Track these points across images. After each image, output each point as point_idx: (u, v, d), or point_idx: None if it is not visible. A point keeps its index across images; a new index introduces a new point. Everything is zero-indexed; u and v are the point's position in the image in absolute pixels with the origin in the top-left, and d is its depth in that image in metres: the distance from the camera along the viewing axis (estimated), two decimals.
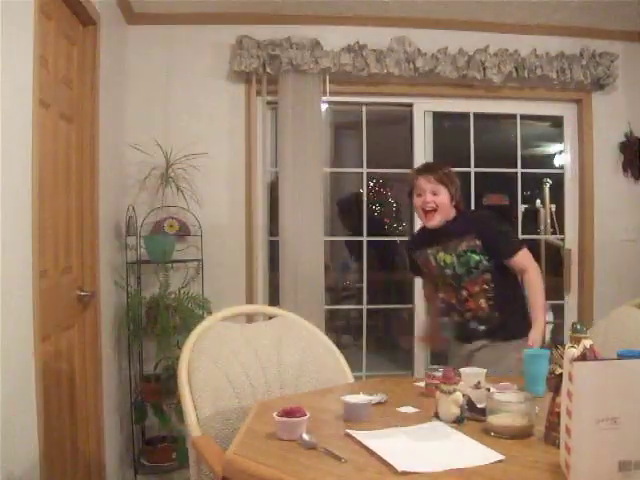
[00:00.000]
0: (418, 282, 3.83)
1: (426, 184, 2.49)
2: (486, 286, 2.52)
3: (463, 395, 1.57)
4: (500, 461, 1.29)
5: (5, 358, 1.76)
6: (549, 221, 4.56)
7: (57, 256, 2.38)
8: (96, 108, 2.83)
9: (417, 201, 2.53)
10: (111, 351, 3.15)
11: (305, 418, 1.45)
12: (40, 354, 2.03)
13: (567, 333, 3.61)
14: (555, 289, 4.23)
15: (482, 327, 2.51)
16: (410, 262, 2.78)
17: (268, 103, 3.62)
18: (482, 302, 2.51)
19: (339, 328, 5.48)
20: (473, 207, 3.89)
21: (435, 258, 2.56)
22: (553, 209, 4.40)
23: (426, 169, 2.59)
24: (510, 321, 2.50)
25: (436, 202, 2.48)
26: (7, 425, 1.76)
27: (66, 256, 2.51)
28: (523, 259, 2.51)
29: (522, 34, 3.75)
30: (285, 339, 2.10)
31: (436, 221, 2.51)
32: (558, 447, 1.28)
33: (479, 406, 1.58)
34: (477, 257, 2.49)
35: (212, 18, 3.58)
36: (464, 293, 2.53)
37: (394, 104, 3.93)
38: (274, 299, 3.61)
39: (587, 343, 1.41)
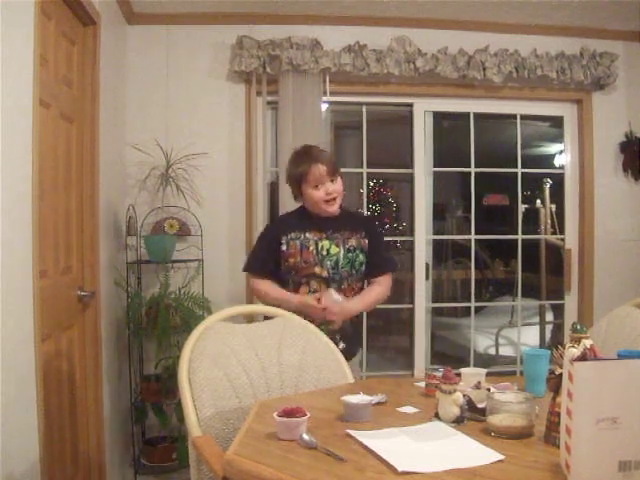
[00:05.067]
0: (419, 281, 3.84)
1: (325, 172, 2.37)
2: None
3: (463, 395, 1.57)
4: (500, 461, 1.29)
5: (5, 358, 1.76)
6: (549, 221, 4.56)
7: (57, 256, 2.38)
8: (96, 108, 2.83)
9: (317, 192, 2.37)
10: (111, 351, 3.15)
11: (305, 418, 1.45)
12: (40, 354, 2.03)
13: (567, 333, 3.62)
14: (555, 289, 4.24)
15: (342, 345, 2.30)
16: (264, 251, 2.47)
17: (268, 103, 3.62)
18: (352, 318, 2.38)
19: None
20: (474, 208, 3.90)
21: (317, 245, 2.37)
22: (553, 209, 4.40)
23: (322, 157, 2.42)
24: (355, 340, 2.45)
25: (336, 190, 2.39)
26: (7, 425, 1.76)
27: (66, 256, 2.51)
28: (390, 279, 2.47)
29: (522, 34, 3.75)
30: (285, 339, 2.10)
31: (336, 209, 2.40)
32: (558, 447, 1.28)
33: (479, 406, 1.58)
34: (363, 258, 2.39)
35: (212, 18, 3.58)
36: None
37: (394, 104, 3.93)
38: None
39: (587, 343, 1.40)
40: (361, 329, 2.44)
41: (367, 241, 2.43)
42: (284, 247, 2.40)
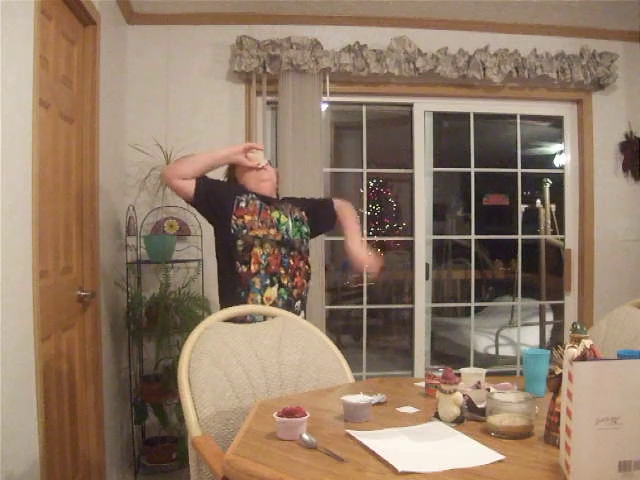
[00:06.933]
0: (419, 282, 3.83)
1: (262, 158, 2.55)
2: (307, 267, 2.52)
3: (463, 395, 1.57)
4: (500, 461, 1.29)
5: (5, 358, 1.76)
6: (549, 221, 4.56)
7: (57, 256, 2.38)
8: (96, 108, 2.83)
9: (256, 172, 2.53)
10: (111, 351, 3.15)
11: (305, 418, 1.45)
12: (40, 354, 2.03)
13: (567, 333, 3.63)
14: (555, 289, 4.24)
15: (303, 312, 2.49)
16: (217, 183, 2.54)
17: (268, 103, 3.62)
18: (305, 283, 2.50)
19: (339, 328, 5.49)
20: (474, 208, 3.90)
21: (270, 213, 2.48)
22: (553, 209, 4.40)
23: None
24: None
25: (271, 175, 2.57)
26: (7, 425, 1.76)
27: (66, 256, 2.51)
28: (339, 200, 2.71)
29: (522, 34, 3.75)
30: (285, 339, 2.10)
31: (270, 189, 2.56)
32: (558, 447, 1.28)
33: (479, 406, 1.58)
34: (306, 229, 2.54)
35: (212, 18, 3.58)
36: (291, 263, 2.45)
37: (394, 104, 3.93)
38: None
39: (587, 343, 1.40)
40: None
41: (305, 213, 2.58)
42: (242, 204, 2.44)
